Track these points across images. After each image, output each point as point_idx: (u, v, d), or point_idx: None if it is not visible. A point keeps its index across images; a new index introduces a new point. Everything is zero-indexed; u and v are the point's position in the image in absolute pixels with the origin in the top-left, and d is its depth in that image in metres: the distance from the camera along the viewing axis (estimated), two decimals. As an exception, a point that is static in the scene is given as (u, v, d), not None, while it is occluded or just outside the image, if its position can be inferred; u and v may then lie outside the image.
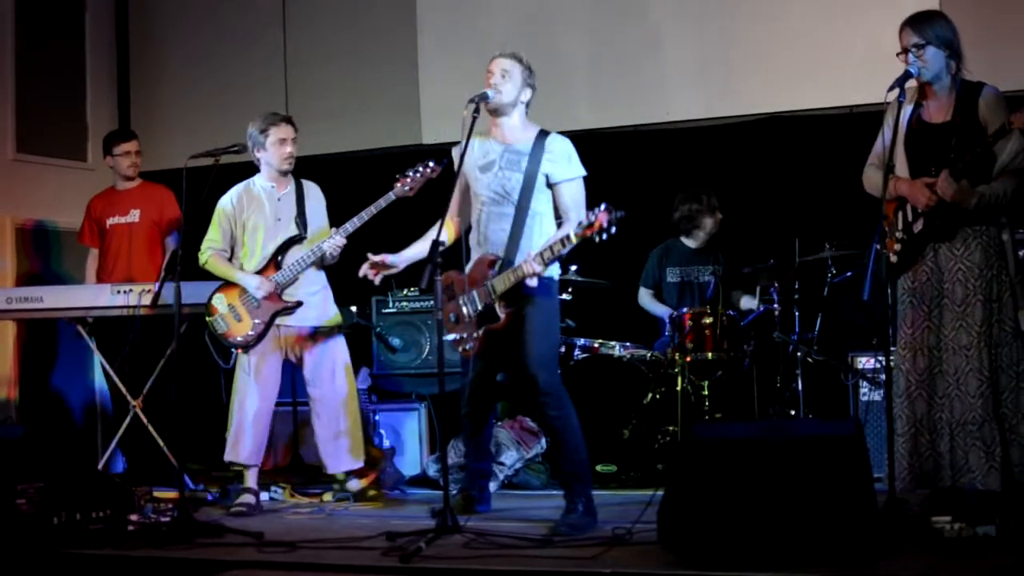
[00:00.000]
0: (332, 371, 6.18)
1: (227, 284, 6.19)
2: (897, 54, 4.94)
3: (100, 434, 8.03)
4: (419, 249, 5.52)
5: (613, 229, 4.83)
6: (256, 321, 6.08)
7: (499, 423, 6.82)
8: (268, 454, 6.64)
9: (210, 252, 6.22)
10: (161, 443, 6.59)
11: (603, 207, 4.83)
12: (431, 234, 5.31)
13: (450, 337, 5.39)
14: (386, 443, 6.92)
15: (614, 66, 7.88)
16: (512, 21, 7.96)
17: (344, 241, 6.00)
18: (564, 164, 5.27)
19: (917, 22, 4.93)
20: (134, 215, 7.17)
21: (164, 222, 7.17)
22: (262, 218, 6.18)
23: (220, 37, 8.92)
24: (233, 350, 6.19)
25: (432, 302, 6.81)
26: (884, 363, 4.91)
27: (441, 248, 5.01)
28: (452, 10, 8.27)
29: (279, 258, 6.11)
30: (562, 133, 5.40)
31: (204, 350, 7.20)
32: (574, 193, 5.26)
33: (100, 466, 6.74)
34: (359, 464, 6.25)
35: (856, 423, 4.42)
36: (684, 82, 7.74)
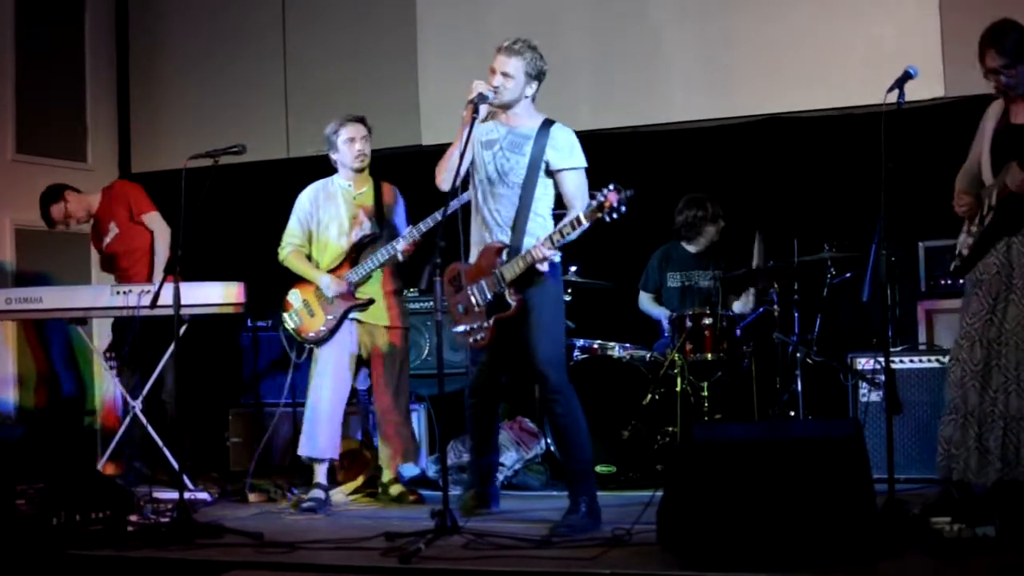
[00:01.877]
0: (398, 371, 6.23)
1: (303, 280, 6.27)
2: (985, 75, 4.93)
3: (100, 435, 8.04)
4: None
5: (623, 208, 4.85)
6: (329, 317, 6.16)
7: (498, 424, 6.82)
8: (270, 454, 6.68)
9: (290, 248, 6.31)
10: (161, 444, 6.59)
11: (612, 186, 4.85)
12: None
13: (460, 328, 5.39)
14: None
15: (615, 67, 7.89)
16: (512, 21, 7.94)
17: (415, 240, 6.03)
18: (567, 153, 5.28)
19: (997, 41, 4.86)
20: (113, 230, 7.17)
21: (137, 215, 7.14)
22: (337, 215, 6.26)
23: (220, 38, 8.93)
24: (306, 346, 6.26)
25: (432, 303, 6.81)
26: (884, 364, 4.92)
27: (441, 246, 4.99)
28: (452, 10, 8.28)
29: (354, 256, 6.19)
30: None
31: (205, 351, 7.24)
32: (578, 182, 5.27)
33: (100, 466, 6.74)
34: (413, 466, 6.32)
35: (856, 424, 4.42)
36: (685, 83, 7.75)
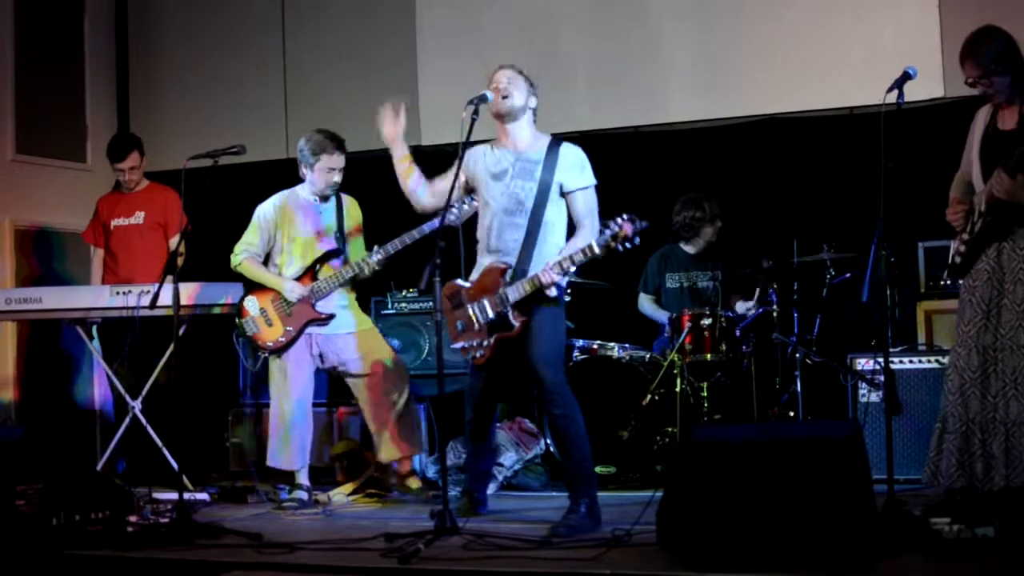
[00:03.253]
0: (375, 369, 6.21)
1: (259, 287, 6.25)
2: (966, 82, 4.93)
3: (99, 435, 8.03)
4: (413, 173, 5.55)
5: (637, 240, 4.89)
6: (288, 328, 6.14)
7: (498, 424, 6.82)
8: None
9: (244, 255, 6.27)
10: (160, 444, 6.59)
11: (627, 217, 4.89)
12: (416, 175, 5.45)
13: (458, 345, 5.40)
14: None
15: (614, 67, 7.89)
16: (511, 23, 7.97)
17: (383, 260, 6.06)
18: (578, 173, 5.27)
19: (974, 53, 4.85)
20: (138, 217, 7.17)
21: (169, 225, 7.15)
22: (301, 228, 6.25)
23: (219, 38, 8.93)
24: (260, 354, 6.24)
25: (431, 303, 6.81)
26: (883, 365, 4.92)
27: (441, 246, 4.99)
28: (451, 12, 8.28)
29: (316, 269, 6.18)
30: (561, 134, 5.42)
31: (203, 351, 7.23)
32: (588, 201, 5.27)
33: (99, 467, 6.73)
34: (404, 455, 6.30)
35: (855, 425, 4.43)
36: (683, 83, 7.75)
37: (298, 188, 6.33)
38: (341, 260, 6.22)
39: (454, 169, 5.26)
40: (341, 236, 6.26)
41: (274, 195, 6.35)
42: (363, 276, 6.16)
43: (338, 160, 6.20)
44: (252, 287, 6.28)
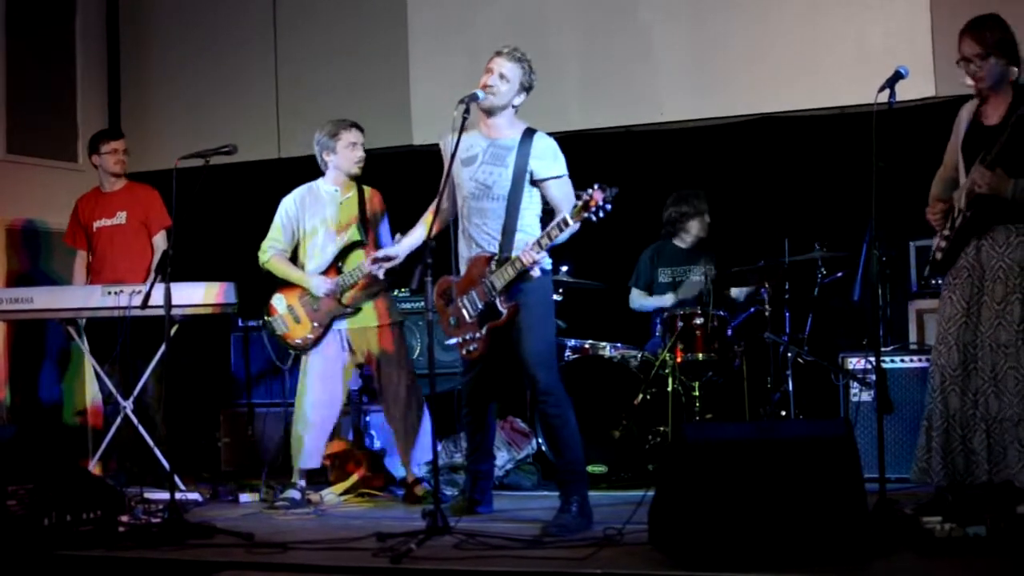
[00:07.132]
0: (398, 367, 6.21)
1: (287, 285, 6.24)
2: (956, 61, 4.94)
3: (90, 436, 8.02)
4: (416, 236, 5.58)
5: (608, 207, 4.88)
6: (315, 324, 6.14)
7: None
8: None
9: (271, 252, 6.26)
10: (152, 444, 6.58)
11: (596, 186, 4.88)
12: (425, 220, 5.36)
13: (452, 341, 5.40)
14: (377, 444, 6.92)
15: (605, 67, 7.89)
16: (503, 22, 7.97)
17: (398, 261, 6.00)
18: (550, 161, 5.29)
19: (976, 29, 4.87)
20: (120, 217, 7.14)
21: (151, 223, 7.13)
22: (323, 221, 6.23)
23: (211, 38, 8.92)
24: (292, 352, 6.24)
25: (423, 303, 6.81)
26: (875, 363, 4.92)
27: (431, 246, 5.01)
28: (442, 10, 8.28)
29: (339, 263, 6.17)
30: (553, 134, 5.41)
31: (195, 352, 7.23)
32: (563, 190, 5.28)
33: (91, 467, 6.72)
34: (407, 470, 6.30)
35: (846, 424, 4.43)
36: (675, 83, 7.76)
37: (319, 181, 6.31)
38: (364, 251, 6.17)
39: (446, 165, 5.29)
40: (363, 227, 6.23)
41: (295, 189, 6.33)
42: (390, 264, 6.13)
43: (357, 135, 6.22)
44: (280, 284, 6.26)
